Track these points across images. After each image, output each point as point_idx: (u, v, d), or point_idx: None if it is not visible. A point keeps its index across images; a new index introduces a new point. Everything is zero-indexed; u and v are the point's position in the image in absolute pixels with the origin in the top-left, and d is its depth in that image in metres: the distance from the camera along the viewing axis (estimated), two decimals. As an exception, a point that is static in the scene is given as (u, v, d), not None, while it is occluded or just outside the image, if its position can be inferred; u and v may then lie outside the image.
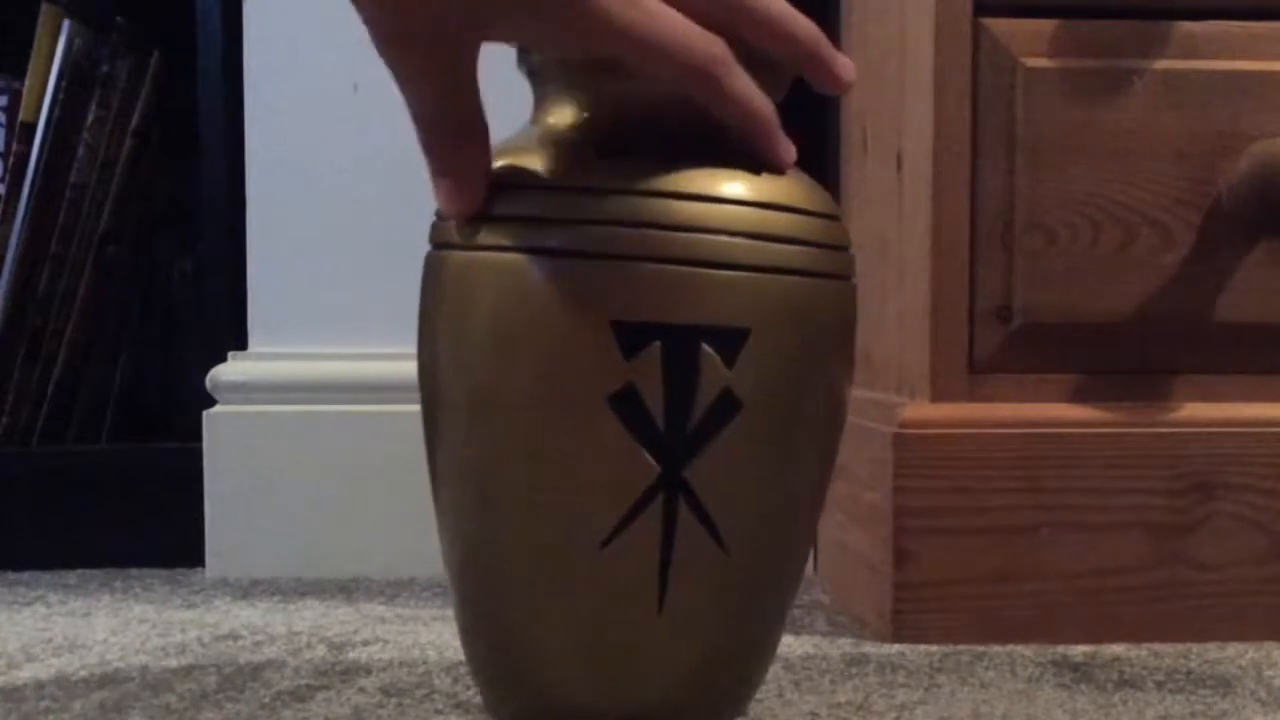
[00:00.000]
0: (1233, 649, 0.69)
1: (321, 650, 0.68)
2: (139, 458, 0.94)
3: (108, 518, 0.92)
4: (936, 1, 0.70)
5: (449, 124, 0.46)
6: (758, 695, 0.56)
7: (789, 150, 0.48)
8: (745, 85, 0.46)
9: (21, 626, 0.74)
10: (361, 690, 0.59)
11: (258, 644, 0.69)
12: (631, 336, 0.45)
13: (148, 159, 1.00)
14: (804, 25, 0.48)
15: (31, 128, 0.95)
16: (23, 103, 0.95)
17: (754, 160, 0.48)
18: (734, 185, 0.47)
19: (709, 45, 0.45)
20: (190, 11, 0.94)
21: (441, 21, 0.44)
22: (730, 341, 0.46)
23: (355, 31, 0.44)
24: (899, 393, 0.76)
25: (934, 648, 0.69)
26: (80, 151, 0.96)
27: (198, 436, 0.90)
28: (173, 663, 0.65)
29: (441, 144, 0.47)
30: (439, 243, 0.49)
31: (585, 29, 0.43)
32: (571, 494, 0.46)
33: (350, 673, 0.63)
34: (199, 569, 0.91)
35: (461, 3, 0.43)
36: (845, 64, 0.49)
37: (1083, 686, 0.61)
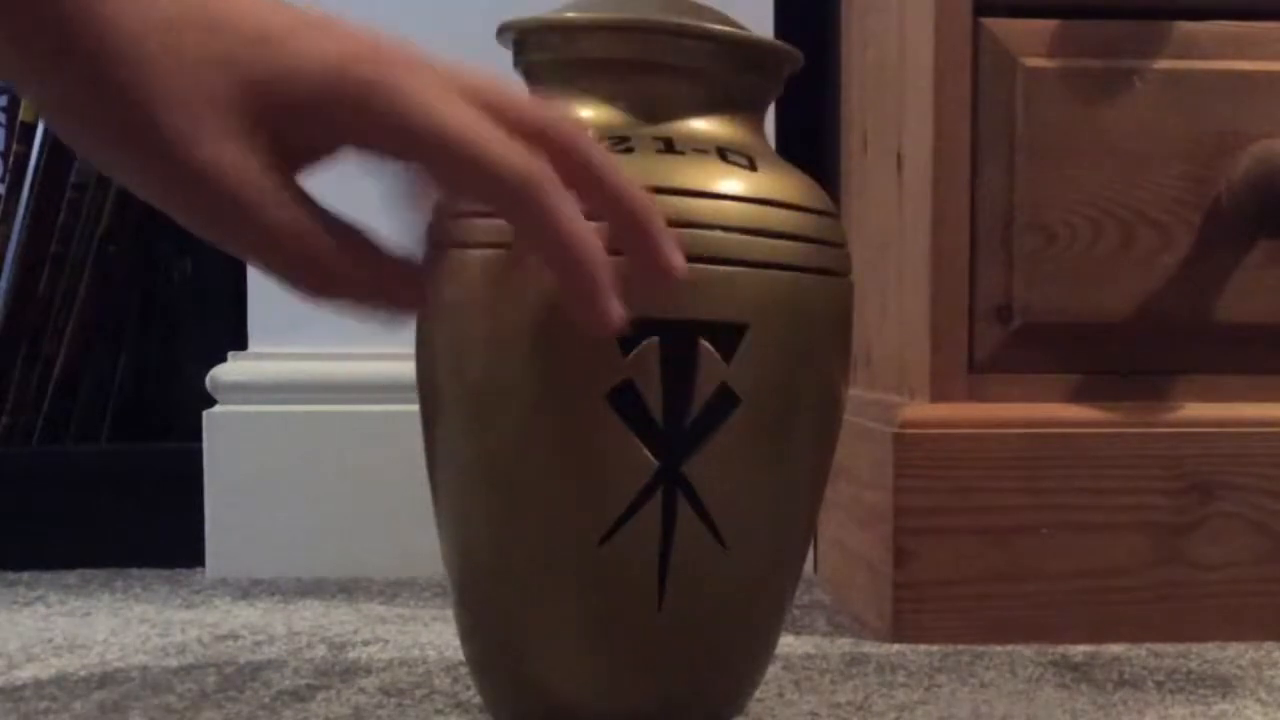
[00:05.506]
0: (1233, 649, 0.69)
1: (321, 650, 0.68)
2: (139, 458, 0.94)
3: (108, 518, 0.92)
4: (936, 1, 0.70)
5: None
6: (758, 695, 0.56)
7: (613, 309, 0.40)
8: (575, 213, 0.39)
9: (21, 626, 0.74)
10: (361, 690, 0.59)
11: (258, 644, 0.69)
12: (629, 332, 0.45)
13: (148, 159, 1.00)
14: (641, 196, 0.41)
15: (31, 128, 0.95)
16: (23, 103, 0.95)
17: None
18: (731, 181, 0.47)
19: (530, 160, 0.38)
20: (190, 12, 0.94)
21: None
22: (728, 337, 0.46)
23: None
24: (899, 393, 0.76)
25: (934, 648, 0.69)
26: (80, 152, 0.96)
27: (198, 436, 0.90)
28: (173, 663, 0.65)
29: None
30: (437, 241, 0.49)
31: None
32: (571, 490, 0.46)
33: (350, 673, 0.63)
34: (199, 569, 0.90)
35: None
36: (676, 252, 0.42)
37: (1083, 686, 0.61)
